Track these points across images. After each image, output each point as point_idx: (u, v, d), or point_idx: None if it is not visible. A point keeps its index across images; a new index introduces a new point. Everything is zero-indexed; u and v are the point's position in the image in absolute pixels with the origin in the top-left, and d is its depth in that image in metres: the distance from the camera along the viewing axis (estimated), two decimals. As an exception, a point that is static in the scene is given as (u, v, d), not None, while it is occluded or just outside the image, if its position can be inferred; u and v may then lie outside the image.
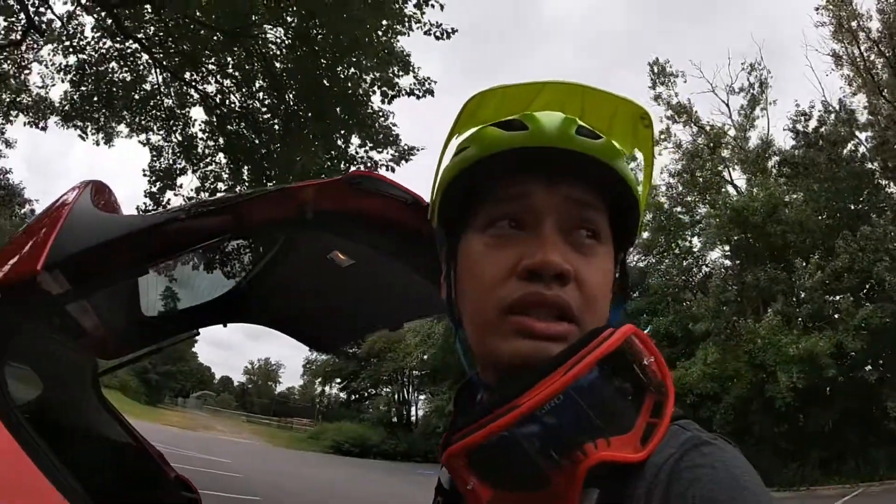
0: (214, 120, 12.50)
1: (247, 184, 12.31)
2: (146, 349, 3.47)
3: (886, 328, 21.48)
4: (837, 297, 24.53)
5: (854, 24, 28.45)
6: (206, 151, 12.95)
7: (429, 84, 12.66)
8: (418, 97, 12.64)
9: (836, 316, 23.98)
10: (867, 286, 23.76)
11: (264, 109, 12.32)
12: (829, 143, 26.34)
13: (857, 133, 27.68)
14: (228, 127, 12.40)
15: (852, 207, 26.46)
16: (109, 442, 2.69)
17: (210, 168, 12.96)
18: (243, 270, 3.39)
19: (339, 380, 56.87)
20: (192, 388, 70.76)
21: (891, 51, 27.77)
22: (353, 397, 56.72)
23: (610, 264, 0.82)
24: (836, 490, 20.52)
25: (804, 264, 23.78)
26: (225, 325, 3.28)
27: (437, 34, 11.84)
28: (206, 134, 12.87)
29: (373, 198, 1.95)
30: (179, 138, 12.92)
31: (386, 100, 12.32)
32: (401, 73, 12.21)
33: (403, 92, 12.42)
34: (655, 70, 33.32)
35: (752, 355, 23.29)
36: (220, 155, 12.93)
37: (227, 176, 12.89)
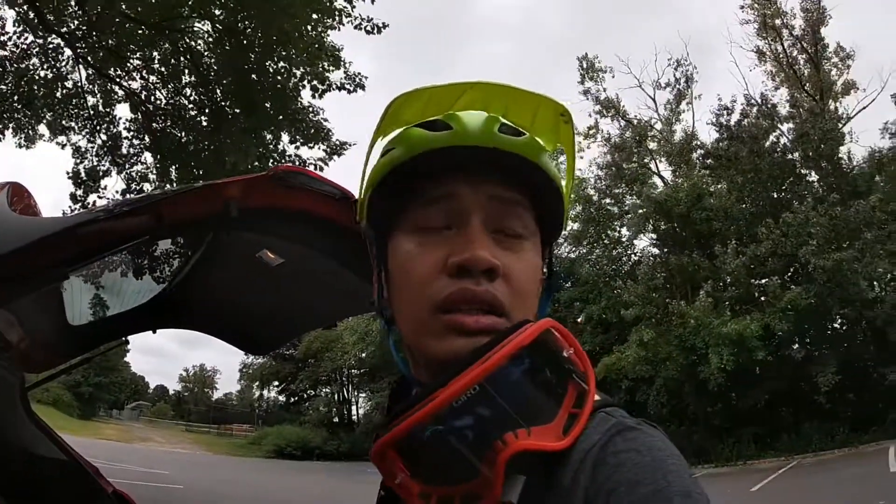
0: (140, 118, 12.05)
1: (175, 183, 11.88)
2: (75, 360, 3.35)
3: (812, 309, 22.56)
4: (763, 281, 25.66)
5: (778, 21, 29.83)
6: (132, 151, 12.46)
7: (360, 79, 12.57)
8: (349, 92, 12.52)
9: (762, 299, 25.11)
10: (791, 269, 24.77)
11: (192, 106, 11.94)
12: (751, 137, 27.43)
13: (778, 125, 28.89)
14: (155, 125, 11.95)
15: (775, 196, 27.59)
16: (41, 460, 2.55)
17: (136, 168, 12.45)
18: (171, 273, 3.27)
19: (276, 382, 56.16)
20: (127, 399, 68.68)
21: (812, 47, 29.16)
22: (293, 399, 56.01)
23: (537, 258, 0.84)
24: (771, 464, 21.33)
25: (725, 250, 24.74)
26: (154, 331, 3.18)
27: (368, 28, 11.73)
28: (132, 133, 12.40)
29: (300, 193, 1.91)
30: (104, 138, 12.35)
31: (316, 94, 12.16)
32: (331, 68, 12.06)
33: (334, 86, 12.28)
34: (584, 66, 34.32)
35: (682, 339, 24.00)
36: (147, 154, 12.46)
37: (154, 176, 12.41)
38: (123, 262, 3.18)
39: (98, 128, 12.29)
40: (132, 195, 11.98)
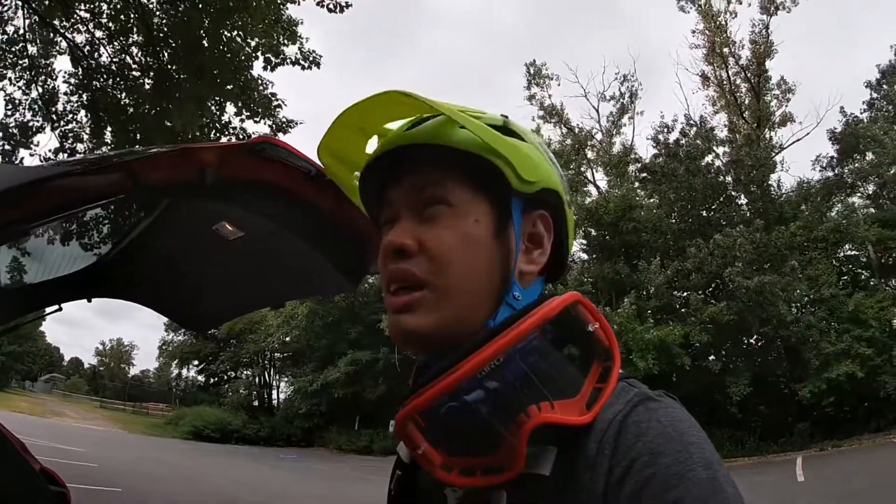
0: (80, 73, 11.47)
1: (110, 146, 11.42)
2: (2, 326, 3.18)
3: (730, 324, 23.56)
4: (685, 294, 26.67)
5: (726, 50, 30.97)
6: (68, 108, 11.87)
7: (315, 57, 12.40)
8: (304, 68, 12.37)
9: (682, 310, 26.02)
10: (713, 285, 25.70)
11: (136, 66, 11.44)
12: (688, 156, 28.34)
13: (714, 148, 30.03)
14: (95, 83, 11.42)
15: (704, 214, 28.58)
16: None
17: (70, 127, 11.87)
18: (113, 239, 2.99)
19: (196, 362, 54.54)
20: (41, 371, 65.88)
21: (756, 78, 30.35)
22: (212, 380, 54.39)
23: (467, 220, 0.84)
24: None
25: (648, 265, 25.72)
26: (89, 300, 3.01)
27: (331, 6, 11.55)
28: (71, 88, 11.77)
29: (277, 167, 1.87)
30: (40, 91, 11.74)
31: (269, 67, 11.93)
32: (287, 42, 11.84)
33: (288, 61, 12.08)
34: (531, 71, 34.89)
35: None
36: (83, 113, 11.85)
37: (87, 136, 11.87)
38: (80, 222, 2.98)
39: (35, 79, 11.68)
40: (65, 154, 11.55)
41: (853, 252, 27.14)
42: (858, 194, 28.61)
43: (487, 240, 0.84)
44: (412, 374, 0.92)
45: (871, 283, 25.79)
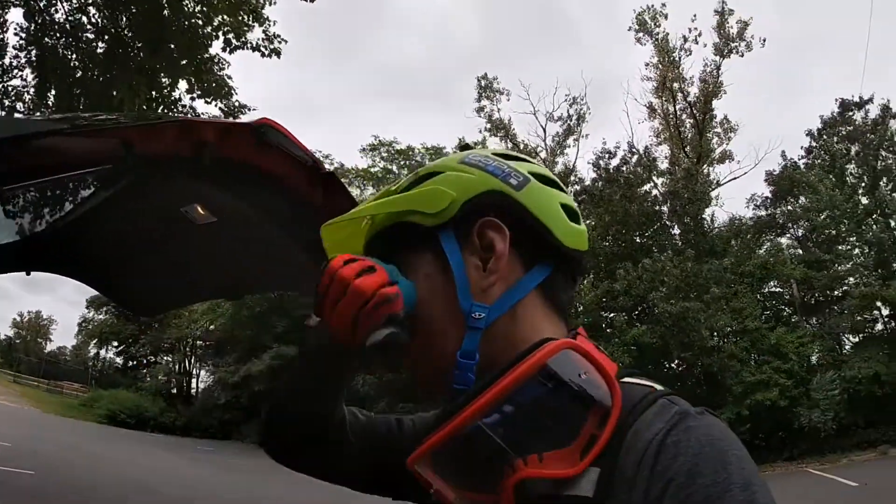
0: (32, 28, 10.98)
1: (52, 109, 11.02)
2: None
3: (653, 347, 24.44)
4: (611, 315, 27.45)
5: (676, 85, 31.98)
6: (14, 63, 11.37)
7: (278, 43, 12.25)
8: (263, 55, 12.20)
9: (608, 330, 26.67)
10: (640, 308, 26.50)
11: (91, 28, 11.07)
12: (627, 183, 29.23)
13: (654, 178, 31.04)
14: (46, 40, 10.97)
15: (637, 240, 29.59)
16: None
17: (13, 84, 11.47)
18: (61, 212, 2.71)
19: (116, 343, 52.23)
20: (-48, 340, 62.71)
21: (702, 115, 31.46)
22: (131, 363, 52.29)
23: (418, 277, 0.89)
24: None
25: (581, 283, 25.93)
26: (28, 273, 2.81)
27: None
28: (21, 42, 11.25)
29: (272, 152, 1.81)
30: None
31: (228, 48, 11.76)
32: (252, 23, 11.65)
33: (249, 45, 11.92)
34: (482, 84, 35.47)
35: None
36: (28, 71, 11.38)
37: (29, 97, 11.44)
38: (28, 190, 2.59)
39: (-18, 29, 11.10)
40: (2, 113, 11.10)
41: (777, 289, 28.53)
42: (788, 235, 29.95)
43: (438, 286, 0.87)
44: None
45: (793, 319, 26.96)
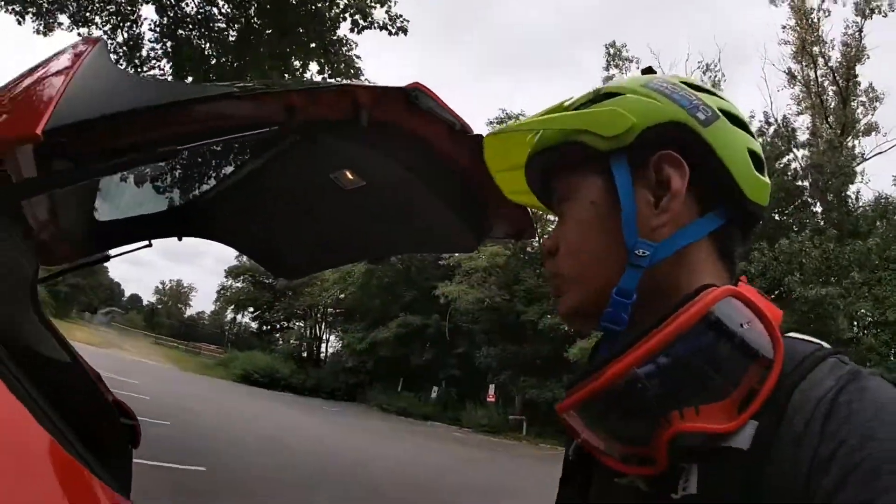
0: (166, 22, 11.62)
1: None
2: (95, 256, 3.03)
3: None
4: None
5: (816, 49, 29.73)
6: (151, 55, 12.06)
7: (402, 21, 12.30)
8: (391, 33, 12.29)
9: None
10: (776, 292, 24.99)
11: (222, 18, 11.58)
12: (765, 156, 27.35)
13: (794, 150, 29.00)
14: (180, 32, 11.59)
15: (777, 218, 27.79)
16: (48, 361, 2.26)
17: (153, 73, 11.98)
18: (217, 177, 2.85)
19: (252, 309, 55.73)
20: (101, 304, 68.55)
21: (844, 82, 29.16)
22: (265, 328, 55.75)
23: (582, 204, 0.86)
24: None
25: None
26: (180, 239, 2.94)
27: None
28: (155, 36, 11.94)
29: (422, 115, 1.81)
30: (125, 36, 11.95)
31: (356, 29, 11.90)
32: (374, 5, 11.77)
33: (376, 25, 12.01)
34: (611, 52, 34.25)
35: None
36: (165, 61, 12.03)
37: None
38: (223, 151, 2.73)
39: (121, 25, 11.90)
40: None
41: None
42: (941, 216, 27.10)
43: (605, 214, 0.83)
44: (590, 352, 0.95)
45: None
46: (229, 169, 2.65)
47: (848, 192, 27.00)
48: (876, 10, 28.70)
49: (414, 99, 1.74)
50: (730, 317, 0.69)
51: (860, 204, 27.48)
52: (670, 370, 0.67)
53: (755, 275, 23.96)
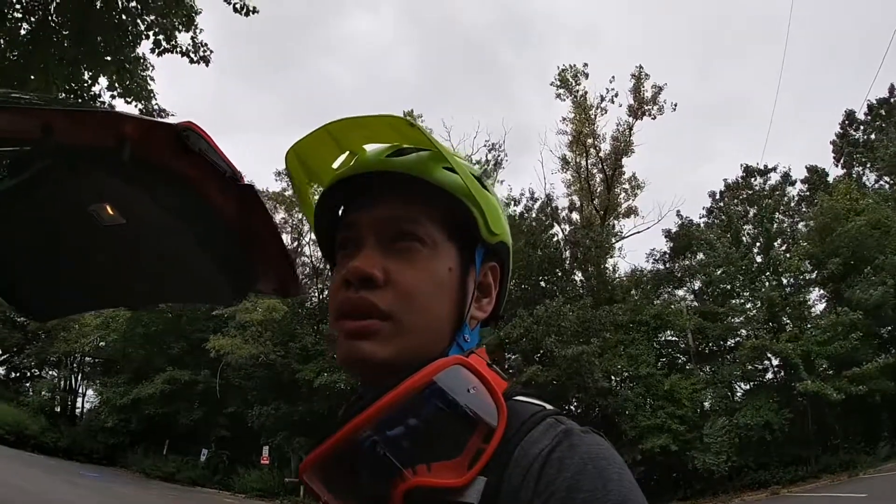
0: None
1: None
2: None
3: (550, 387, 25.07)
4: (514, 356, 28.07)
5: (590, 140, 33.77)
6: None
7: (205, 52, 12.16)
8: (192, 61, 12.08)
9: (510, 371, 26.90)
10: (541, 351, 27.18)
11: (18, 6, 10.53)
12: (530, 231, 30.41)
13: (557, 224, 32.87)
14: None
15: (543, 285, 30.45)
16: None
17: None
18: None
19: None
20: None
21: (611, 171, 33.13)
22: (13, 375, 47.33)
23: (439, 264, 0.88)
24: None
25: None
26: None
27: (238, 6, 11.41)
28: None
29: (193, 158, 1.65)
30: None
31: (156, 50, 11.53)
32: (181, 28, 11.51)
33: (178, 49, 11.75)
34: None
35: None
36: None
37: None
38: None
39: None
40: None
41: (674, 338, 29.81)
42: (685, 288, 31.68)
43: (454, 285, 0.88)
44: (343, 406, 0.90)
45: (688, 367, 28.26)
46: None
47: (606, 265, 30.32)
48: (647, 113, 33.33)
49: (185, 138, 1.62)
50: (456, 383, 0.77)
51: (616, 275, 31.21)
52: (400, 431, 0.73)
53: (518, 337, 26.13)
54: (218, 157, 1.62)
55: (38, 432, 36.50)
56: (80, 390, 45.39)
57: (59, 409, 43.13)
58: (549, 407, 0.82)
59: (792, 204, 30.96)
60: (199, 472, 33.28)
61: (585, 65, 34.41)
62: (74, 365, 44.43)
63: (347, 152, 0.99)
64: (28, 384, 46.05)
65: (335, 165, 1.01)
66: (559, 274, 30.83)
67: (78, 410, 44.45)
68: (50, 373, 45.70)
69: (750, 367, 26.15)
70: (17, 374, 47.55)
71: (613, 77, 38.97)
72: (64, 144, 1.57)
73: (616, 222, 34.93)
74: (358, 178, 0.92)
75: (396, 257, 0.86)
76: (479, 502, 0.71)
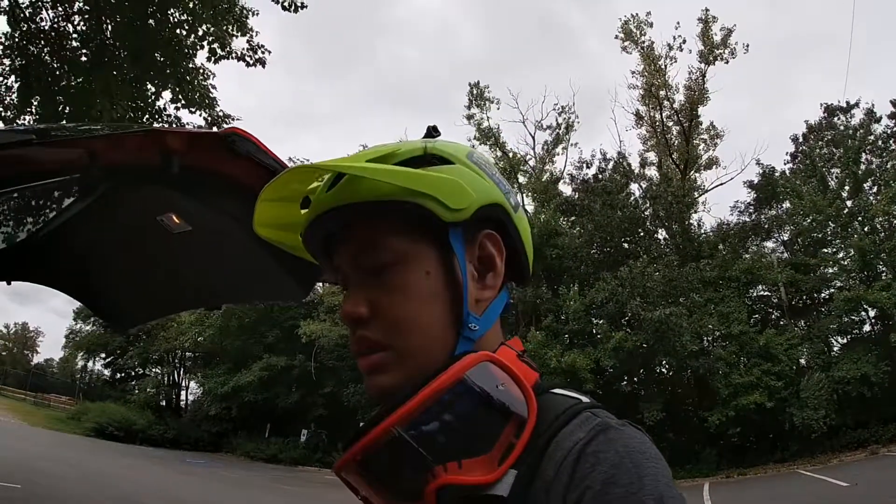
0: (18, 36, 10.78)
1: (36, 116, 10.87)
2: None
3: (639, 352, 24.57)
4: (601, 321, 27.74)
5: (662, 92, 32.36)
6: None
7: (262, 53, 12.29)
8: (248, 65, 12.26)
9: (598, 335, 27.03)
10: (628, 314, 26.53)
11: (76, 36, 10.96)
12: (605, 191, 29.63)
13: (633, 182, 31.89)
14: (31, 48, 10.84)
15: (626, 246, 29.79)
16: None
17: None
18: (41, 219, 2.51)
19: (104, 355, 51.07)
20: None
21: (687, 122, 31.77)
22: (119, 375, 51.27)
23: (414, 275, 0.84)
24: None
25: (568, 291, 26.80)
26: (9, 283, 2.70)
27: (286, 4, 11.43)
28: (5, 50, 10.99)
29: (240, 160, 1.75)
30: None
31: (213, 58, 11.75)
32: (236, 33, 11.63)
33: (234, 55, 11.91)
34: (474, 93, 35.45)
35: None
36: (13, 78, 11.12)
37: (14, 103, 11.19)
38: (27, 197, 2.39)
39: (-34, 36, 10.95)
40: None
41: (766, 293, 28.72)
42: (774, 239, 30.36)
43: (439, 287, 0.84)
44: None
45: (782, 322, 27.28)
46: (49, 211, 2.38)
47: (690, 221, 29.18)
48: (718, 58, 31.76)
49: (231, 143, 1.70)
50: (485, 379, 0.76)
51: (702, 231, 29.99)
52: (433, 429, 0.73)
53: (603, 301, 25.59)
54: (266, 157, 1.75)
55: (146, 426, 38.78)
56: (183, 384, 48.27)
57: (164, 403, 45.96)
58: (585, 399, 0.81)
59: (879, 142, 28.71)
60: (300, 451, 34.59)
61: (648, 13, 33.41)
62: (176, 361, 47.25)
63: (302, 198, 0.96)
64: (133, 383, 48.91)
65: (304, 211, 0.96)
66: (641, 234, 30.04)
67: (182, 403, 47.06)
68: (153, 370, 48.48)
69: (846, 318, 24.97)
70: (123, 375, 50.74)
71: (679, 24, 36.35)
72: (110, 167, 1.68)
73: (697, 175, 33.77)
74: (320, 220, 0.87)
75: (377, 287, 0.84)
76: (511, 495, 0.72)
